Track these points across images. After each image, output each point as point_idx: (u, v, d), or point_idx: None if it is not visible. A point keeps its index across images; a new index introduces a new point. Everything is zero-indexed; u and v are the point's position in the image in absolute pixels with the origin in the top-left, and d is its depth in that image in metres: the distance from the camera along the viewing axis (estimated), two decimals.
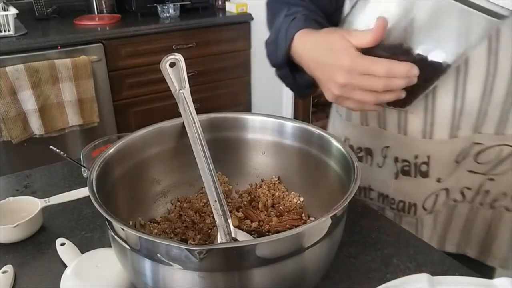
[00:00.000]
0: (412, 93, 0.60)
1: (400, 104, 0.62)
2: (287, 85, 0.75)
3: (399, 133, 0.74)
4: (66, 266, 0.59)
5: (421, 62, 0.56)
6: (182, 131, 0.63)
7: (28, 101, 1.87)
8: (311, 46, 0.63)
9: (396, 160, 0.76)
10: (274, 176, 0.69)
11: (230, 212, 0.61)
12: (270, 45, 0.71)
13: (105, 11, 2.45)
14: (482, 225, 0.78)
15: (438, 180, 0.74)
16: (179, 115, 0.61)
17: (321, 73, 0.62)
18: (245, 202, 0.67)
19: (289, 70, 0.70)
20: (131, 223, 0.59)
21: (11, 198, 0.71)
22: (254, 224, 0.62)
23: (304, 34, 0.65)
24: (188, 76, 0.60)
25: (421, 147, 0.72)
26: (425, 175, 0.74)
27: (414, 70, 0.55)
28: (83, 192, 0.74)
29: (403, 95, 0.58)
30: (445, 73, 0.59)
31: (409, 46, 0.56)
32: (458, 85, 0.66)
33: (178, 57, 0.60)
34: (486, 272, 0.81)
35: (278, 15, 0.72)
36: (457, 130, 0.69)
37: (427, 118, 0.70)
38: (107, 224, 0.49)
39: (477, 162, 0.71)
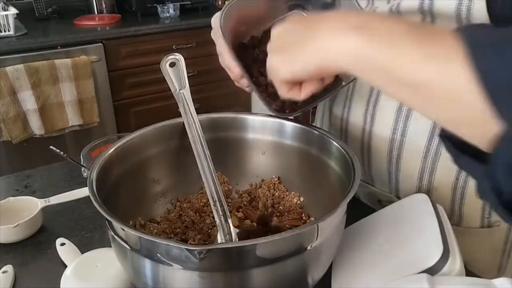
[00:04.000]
0: (293, 103, 0.62)
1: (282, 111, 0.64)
2: None
3: None
4: (66, 266, 0.59)
5: None
6: (182, 131, 0.63)
7: (28, 101, 1.87)
8: None
9: None
10: (274, 176, 0.69)
11: (230, 212, 0.61)
12: None
13: (105, 11, 2.45)
14: None
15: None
16: (179, 115, 0.61)
17: None
18: (245, 202, 0.67)
19: None
20: (131, 223, 0.59)
21: (11, 198, 0.71)
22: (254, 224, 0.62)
23: None
24: (188, 76, 0.60)
25: None
26: None
27: (234, 67, 0.59)
28: (83, 192, 0.74)
29: (246, 89, 0.63)
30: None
31: None
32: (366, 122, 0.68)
33: (178, 57, 0.60)
34: None
35: None
36: (372, 181, 0.73)
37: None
38: (107, 224, 0.49)
39: None
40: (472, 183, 0.63)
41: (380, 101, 0.66)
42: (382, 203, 0.75)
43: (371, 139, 0.69)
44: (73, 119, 2.00)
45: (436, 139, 0.62)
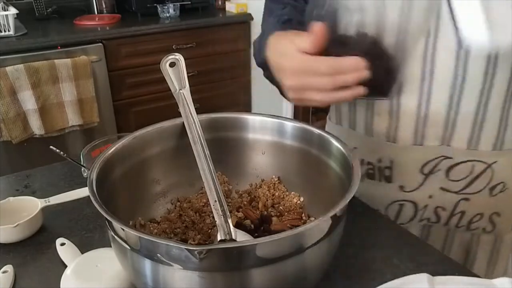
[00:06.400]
0: (386, 82, 0.58)
1: (378, 93, 0.60)
2: (274, 85, 0.70)
3: (366, 134, 0.74)
4: (66, 266, 0.59)
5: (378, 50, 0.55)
6: (182, 131, 0.63)
7: (28, 101, 1.87)
8: (272, 51, 0.62)
9: (362, 162, 0.75)
10: (274, 176, 0.69)
11: (230, 212, 0.61)
12: (255, 44, 0.70)
13: (105, 11, 2.45)
14: (460, 249, 0.76)
15: (402, 188, 0.73)
16: (179, 115, 0.61)
17: (278, 77, 0.60)
18: (245, 202, 0.67)
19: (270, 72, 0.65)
20: (131, 223, 0.59)
21: (11, 198, 0.71)
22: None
23: (273, 38, 0.63)
24: (188, 76, 0.60)
25: (385, 151, 0.72)
26: (388, 180, 0.74)
27: (361, 63, 0.52)
28: (83, 192, 0.74)
29: (361, 91, 0.54)
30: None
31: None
32: (423, 92, 0.65)
33: (178, 57, 0.60)
34: None
35: (270, 15, 0.71)
36: (422, 139, 0.68)
37: (391, 121, 0.69)
38: (107, 224, 0.49)
39: (449, 179, 0.70)
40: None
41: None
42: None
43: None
44: (73, 119, 2.00)
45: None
